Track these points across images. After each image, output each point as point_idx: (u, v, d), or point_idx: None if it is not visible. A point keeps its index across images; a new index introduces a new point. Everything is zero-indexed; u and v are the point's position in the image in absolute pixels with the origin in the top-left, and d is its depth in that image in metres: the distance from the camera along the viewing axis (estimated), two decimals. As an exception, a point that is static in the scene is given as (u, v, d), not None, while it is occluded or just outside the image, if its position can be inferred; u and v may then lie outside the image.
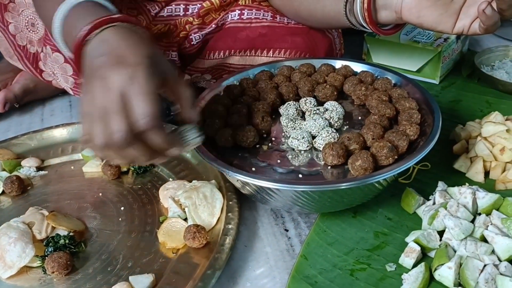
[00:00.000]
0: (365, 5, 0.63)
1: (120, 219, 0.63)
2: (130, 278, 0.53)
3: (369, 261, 0.54)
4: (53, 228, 0.60)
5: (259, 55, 0.80)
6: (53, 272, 0.54)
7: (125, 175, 0.72)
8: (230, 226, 0.57)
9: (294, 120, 0.60)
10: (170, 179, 0.70)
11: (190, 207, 0.59)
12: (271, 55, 0.79)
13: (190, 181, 0.65)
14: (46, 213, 0.62)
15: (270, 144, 0.59)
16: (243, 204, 0.62)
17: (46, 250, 0.57)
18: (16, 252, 0.55)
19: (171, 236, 0.58)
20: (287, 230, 0.60)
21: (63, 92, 1.00)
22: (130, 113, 0.44)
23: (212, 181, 0.64)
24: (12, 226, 0.58)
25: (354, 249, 0.56)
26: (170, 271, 0.55)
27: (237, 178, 0.52)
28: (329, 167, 0.54)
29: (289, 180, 0.52)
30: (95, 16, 0.49)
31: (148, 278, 0.53)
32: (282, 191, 0.51)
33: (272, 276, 0.54)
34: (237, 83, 0.70)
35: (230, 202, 0.60)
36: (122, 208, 0.65)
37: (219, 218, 0.60)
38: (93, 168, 0.74)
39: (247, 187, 0.55)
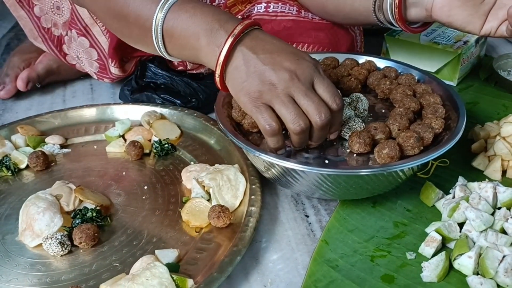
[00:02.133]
0: (397, 1, 0.64)
1: (144, 197, 0.65)
2: (156, 251, 0.54)
3: (389, 249, 0.55)
4: (80, 201, 0.61)
5: (283, 47, 0.81)
6: (80, 243, 0.55)
7: (147, 157, 0.74)
8: (253, 209, 0.58)
9: None
10: (192, 163, 0.71)
11: (215, 188, 0.61)
12: (295, 48, 0.81)
13: (212, 165, 0.67)
14: (73, 187, 0.63)
15: None
16: (264, 189, 0.64)
17: (74, 222, 0.58)
18: (45, 221, 0.56)
19: (195, 215, 0.60)
20: (307, 216, 0.62)
21: (85, 75, 1.01)
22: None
23: (235, 165, 0.65)
24: (41, 197, 0.59)
25: (374, 237, 0.57)
26: (193, 248, 0.56)
27: (264, 159, 0.54)
28: (354, 155, 0.56)
29: (316, 163, 0.53)
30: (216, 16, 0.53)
31: (173, 253, 0.54)
32: (308, 174, 0.52)
33: (293, 258, 0.55)
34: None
35: (253, 186, 0.62)
36: (145, 187, 0.67)
37: (241, 201, 0.61)
38: (116, 148, 0.75)
39: (273, 170, 0.56)
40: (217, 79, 0.54)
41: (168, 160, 0.73)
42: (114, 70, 0.84)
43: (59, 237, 0.55)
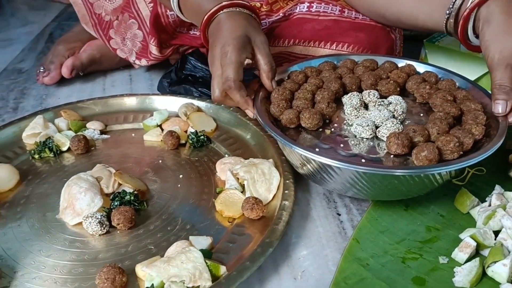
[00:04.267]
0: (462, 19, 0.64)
1: (178, 185, 0.66)
2: (191, 237, 0.56)
3: (421, 252, 0.55)
4: (119, 184, 0.63)
5: (322, 46, 0.82)
6: (118, 224, 0.57)
7: (182, 147, 0.76)
8: (286, 203, 0.59)
9: (358, 109, 0.62)
10: (226, 155, 0.72)
11: (249, 180, 0.62)
12: (334, 48, 0.81)
13: (246, 159, 0.68)
14: (113, 170, 0.65)
15: (332, 130, 0.61)
16: (296, 186, 0.64)
17: (112, 203, 0.60)
18: (86, 201, 0.58)
19: (228, 206, 0.61)
20: (339, 214, 0.62)
21: (124, 66, 1.04)
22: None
23: (270, 160, 0.66)
24: (82, 178, 0.62)
25: (405, 239, 0.57)
26: (226, 237, 0.57)
27: (302, 154, 0.55)
28: (391, 156, 0.56)
29: (352, 161, 0.53)
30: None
31: (206, 240, 0.55)
32: (344, 171, 0.53)
33: (324, 254, 0.56)
34: (300, 71, 0.72)
35: (287, 181, 0.63)
36: (180, 176, 0.68)
37: (274, 195, 0.62)
38: (153, 137, 0.77)
39: (308, 165, 0.57)
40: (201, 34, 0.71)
41: (202, 152, 0.74)
42: (154, 49, 0.88)
43: (99, 217, 0.57)
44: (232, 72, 0.62)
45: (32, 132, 0.74)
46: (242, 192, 0.63)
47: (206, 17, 0.68)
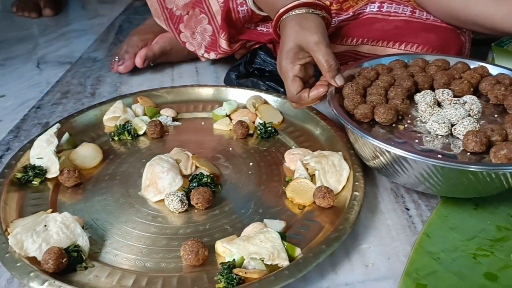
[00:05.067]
0: None
1: (249, 172, 0.70)
2: (265, 220, 0.58)
3: (492, 250, 0.56)
4: (196, 167, 0.67)
5: (391, 46, 0.83)
6: (196, 204, 0.61)
7: (250, 137, 0.79)
8: (357, 194, 0.61)
9: (432, 107, 0.63)
10: (293, 147, 0.75)
11: (320, 171, 0.64)
12: (402, 48, 0.82)
13: (313, 151, 0.70)
14: (190, 154, 0.69)
15: (406, 125, 0.63)
16: (364, 179, 0.66)
17: (190, 184, 0.64)
18: (168, 180, 0.62)
19: (299, 194, 0.63)
20: (408, 209, 0.63)
21: (190, 59, 1.09)
22: None
23: (339, 152, 0.68)
24: (163, 159, 0.66)
25: (476, 237, 0.58)
26: (297, 223, 0.59)
27: (377, 146, 0.56)
28: (467, 154, 0.57)
29: (428, 156, 0.54)
30: None
31: (280, 224, 0.58)
32: (419, 164, 0.54)
33: (394, 245, 0.57)
34: (372, 68, 0.73)
35: (356, 174, 0.64)
36: (250, 163, 0.71)
37: (344, 186, 0.64)
38: (223, 126, 0.81)
39: (381, 158, 0.58)
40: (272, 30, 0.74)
41: (269, 142, 0.77)
42: (223, 43, 0.91)
43: (180, 195, 0.60)
44: (287, 86, 0.69)
45: (113, 116, 0.80)
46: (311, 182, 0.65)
47: (274, 20, 0.71)
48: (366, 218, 0.62)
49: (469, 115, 0.61)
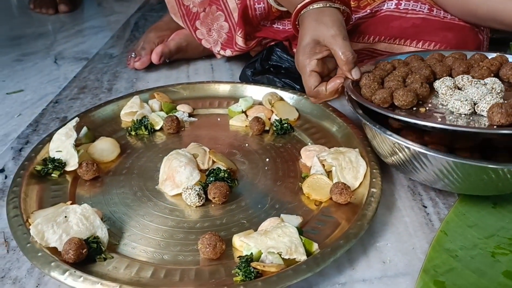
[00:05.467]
0: None
1: (266, 168, 0.70)
2: (282, 215, 0.58)
3: (511, 248, 0.55)
4: (213, 162, 0.67)
5: (408, 45, 0.83)
6: (213, 198, 0.61)
7: (266, 134, 0.79)
8: (374, 190, 0.61)
9: (453, 89, 0.61)
10: (309, 143, 0.75)
11: (337, 167, 0.64)
12: (420, 47, 0.82)
13: (330, 148, 0.70)
14: (207, 149, 0.69)
15: (427, 108, 0.61)
16: (381, 176, 0.66)
17: (208, 179, 0.64)
18: (185, 174, 0.63)
19: (315, 189, 0.63)
20: (425, 207, 0.63)
21: (206, 56, 1.10)
22: None
23: (356, 149, 0.68)
24: (181, 153, 0.66)
25: (494, 235, 0.57)
26: (314, 219, 0.60)
27: (395, 142, 0.56)
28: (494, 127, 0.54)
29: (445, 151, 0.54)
30: None
31: (297, 219, 0.58)
32: (438, 160, 0.54)
33: (411, 242, 0.57)
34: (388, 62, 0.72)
35: (373, 170, 0.64)
36: (267, 159, 0.72)
37: (361, 183, 0.64)
38: (238, 122, 0.81)
39: (400, 154, 0.58)
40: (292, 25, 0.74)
41: (285, 139, 0.77)
42: (239, 40, 0.92)
43: (197, 190, 0.61)
44: (304, 81, 0.70)
45: (130, 111, 0.80)
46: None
47: (293, 15, 0.71)
48: (383, 215, 0.62)
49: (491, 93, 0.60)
